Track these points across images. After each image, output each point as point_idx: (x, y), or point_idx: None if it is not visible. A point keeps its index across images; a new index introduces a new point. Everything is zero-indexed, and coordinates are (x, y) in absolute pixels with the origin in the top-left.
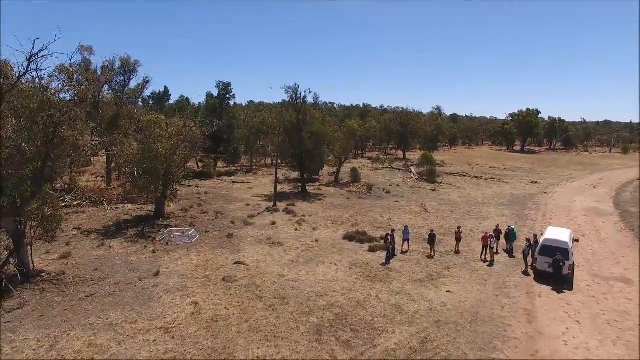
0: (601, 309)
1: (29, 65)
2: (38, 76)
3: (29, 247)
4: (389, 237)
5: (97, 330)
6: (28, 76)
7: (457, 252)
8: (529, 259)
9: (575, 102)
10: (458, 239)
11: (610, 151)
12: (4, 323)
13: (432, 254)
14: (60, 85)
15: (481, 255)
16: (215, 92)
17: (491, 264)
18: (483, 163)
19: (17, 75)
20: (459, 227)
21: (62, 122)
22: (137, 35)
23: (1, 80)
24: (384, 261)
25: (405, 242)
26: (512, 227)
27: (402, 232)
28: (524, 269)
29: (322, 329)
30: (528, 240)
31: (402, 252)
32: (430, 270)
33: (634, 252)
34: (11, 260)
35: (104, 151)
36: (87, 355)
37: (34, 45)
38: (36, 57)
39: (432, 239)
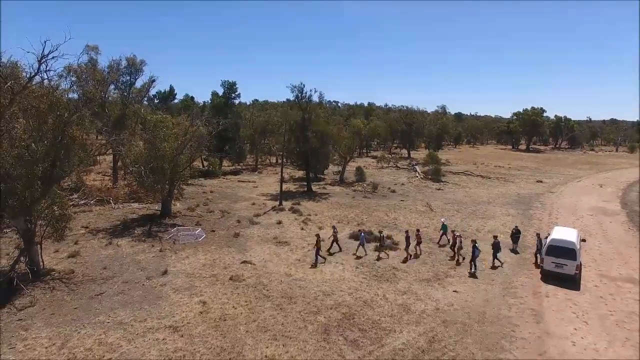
0: (609, 309)
1: (39, 66)
2: (48, 77)
3: (38, 246)
4: (382, 235)
5: (107, 328)
6: (38, 77)
7: (458, 263)
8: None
9: (581, 100)
10: (455, 246)
11: (617, 150)
12: (16, 321)
13: (408, 255)
14: (68, 86)
15: (453, 254)
16: (220, 91)
17: (456, 261)
18: (488, 162)
19: (27, 76)
20: (454, 233)
21: (71, 122)
22: (142, 35)
23: (11, 82)
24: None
25: (361, 247)
26: (444, 221)
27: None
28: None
29: (329, 329)
30: (538, 235)
31: (358, 257)
32: (437, 270)
33: None
34: (22, 259)
35: (110, 150)
36: (97, 354)
37: (44, 46)
38: (46, 58)
39: (409, 240)
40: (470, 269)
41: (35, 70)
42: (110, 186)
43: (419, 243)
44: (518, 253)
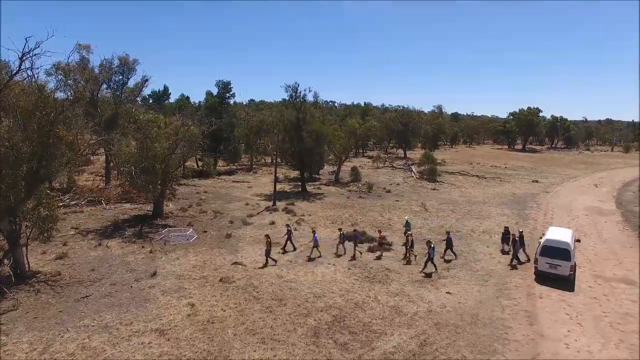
0: (603, 310)
1: (21, 64)
2: (33, 75)
3: (24, 248)
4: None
5: (92, 332)
6: (23, 74)
7: (408, 262)
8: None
9: (577, 100)
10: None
11: (612, 150)
12: None
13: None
14: (56, 84)
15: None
16: (215, 91)
17: (407, 260)
18: (484, 162)
19: (9, 74)
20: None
21: (57, 122)
22: (142, 35)
23: None
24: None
25: (315, 249)
26: (407, 219)
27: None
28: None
29: (319, 331)
30: (513, 235)
31: (310, 260)
32: (430, 271)
33: (636, 252)
34: (6, 261)
35: (103, 150)
36: (80, 358)
37: (26, 43)
38: (29, 55)
39: (343, 239)
40: (424, 268)
41: (17, 68)
42: (102, 186)
43: (381, 244)
44: (509, 253)
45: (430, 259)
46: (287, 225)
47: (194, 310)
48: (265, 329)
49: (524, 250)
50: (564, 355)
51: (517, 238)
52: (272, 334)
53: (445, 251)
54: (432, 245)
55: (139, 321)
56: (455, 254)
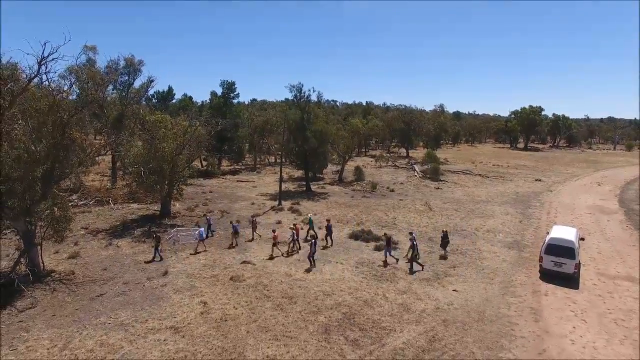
0: (607, 307)
1: (39, 68)
2: (48, 79)
3: (38, 247)
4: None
5: (108, 329)
6: (37, 79)
7: (290, 254)
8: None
9: (579, 99)
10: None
11: (615, 148)
12: (17, 322)
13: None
14: (68, 87)
15: (272, 252)
16: (219, 91)
17: (287, 252)
18: (486, 161)
19: (27, 78)
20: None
21: (70, 124)
22: (142, 34)
23: (11, 84)
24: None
25: (201, 242)
26: (309, 216)
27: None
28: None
29: (330, 328)
30: (411, 233)
31: (195, 253)
32: (437, 269)
33: (638, 250)
34: (22, 260)
35: (109, 150)
36: (99, 355)
37: (44, 48)
38: (46, 60)
39: (235, 230)
40: (311, 265)
41: (35, 72)
42: (109, 187)
43: (275, 244)
44: (447, 258)
45: (311, 254)
46: (206, 214)
47: (206, 308)
48: (277, 326)
49: (389, 253)
50: (570, 351)
51: (413, 241)
52: (284, 331)
53: (325, 238)
54: (314, 241)
55: (154, 319)
56: (332, 241)
